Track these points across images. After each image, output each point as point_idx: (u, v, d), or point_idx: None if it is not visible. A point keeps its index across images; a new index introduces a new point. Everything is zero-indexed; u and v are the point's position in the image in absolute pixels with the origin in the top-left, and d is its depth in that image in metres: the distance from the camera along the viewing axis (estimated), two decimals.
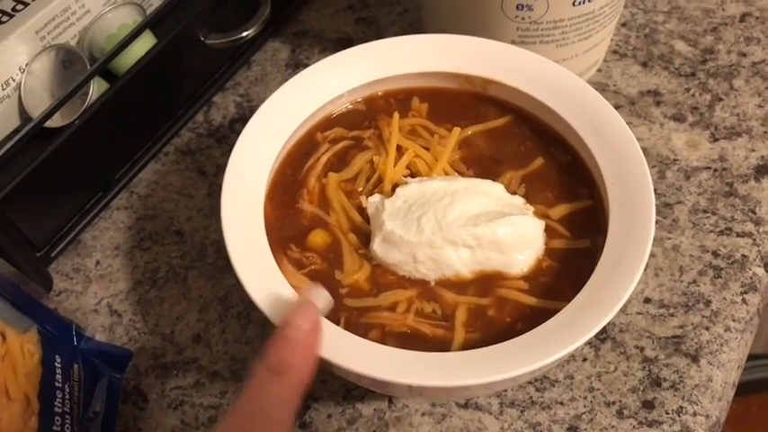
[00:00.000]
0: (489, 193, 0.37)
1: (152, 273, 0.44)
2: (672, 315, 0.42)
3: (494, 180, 0.38)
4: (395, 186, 0.38)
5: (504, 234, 0.35)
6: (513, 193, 0.38)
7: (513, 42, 0.45)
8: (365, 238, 0.37)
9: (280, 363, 0.28)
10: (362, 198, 0.38)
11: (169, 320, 0.43)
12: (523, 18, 0.44)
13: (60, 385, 0.36)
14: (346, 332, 0.32)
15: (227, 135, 0.50)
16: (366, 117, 0.41)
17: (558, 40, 0.45)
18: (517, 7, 0.43)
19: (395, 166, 0.39)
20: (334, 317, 0.34)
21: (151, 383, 0.40)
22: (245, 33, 0.49)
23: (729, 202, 0.46)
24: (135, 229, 0.46)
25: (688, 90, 0.51)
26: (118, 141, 0.47)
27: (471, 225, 0.35)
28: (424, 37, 0.42)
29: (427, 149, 0.40)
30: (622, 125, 0.38)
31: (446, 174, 0.39)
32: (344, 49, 0.42)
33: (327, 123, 0.41)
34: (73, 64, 0.47)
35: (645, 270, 0.42)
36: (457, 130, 0.40)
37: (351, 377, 0.33)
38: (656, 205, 0.45)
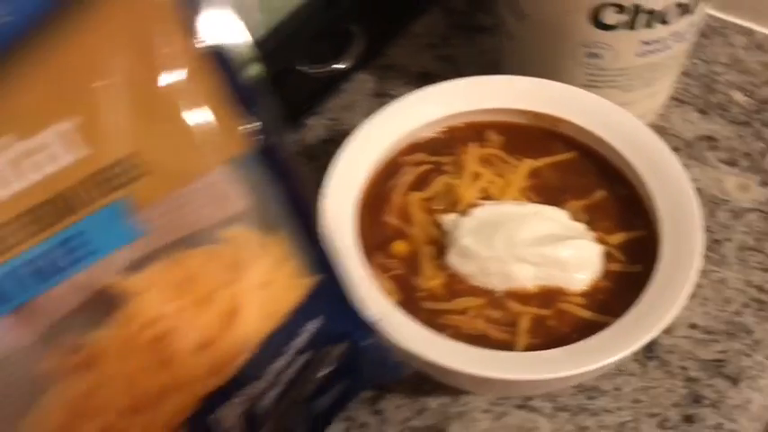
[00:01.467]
0: (555, 219, 0.42)
1: None
2: (715, 340, 0.46)
3: (559, 207, 0.43)
4: (469, 207, 0.43)
5: (567, 255, 0.40)
6: (577, 220, 0.43)
7: (582, 86, 0.50)
8: (441, 250, 0.42)
9: None
10: (440, 215, 0.43)
11: None
12: (593, 65, 0.49)
13: (299, 349, 0.31)
14: (424, 328, 0.38)
15: (317, 154, 0.56)
16: (447, 145, 0.47)
17: (623, 86, 0.50)
18: (587, 55, 0.48)
19: (470, 188, 0.44)
20: (413, 317, 0.39)
21: None
22: (340, 65, 0.55)
23: None
24: None
25: (742, 137, 0.55)
26: None
27: (537, 245, 0.40)
28: (502, 78, 0.47)
29: (500, 176, 0.45)
30: (677, 166, 0.43)
31: (516, 199, 0.44)
32: (425, 82, 0.47)
33: (412, 149, 0.46)
34: None
35: (692, 298, 0.47)
36: (528, 161, 0.45)
37: (427, 367, 0.38)
38: (706, 241, 0.49)
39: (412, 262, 0.42)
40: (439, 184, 0.45)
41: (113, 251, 0.26)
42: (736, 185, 0.53)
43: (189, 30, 0.27)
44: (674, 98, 0.58)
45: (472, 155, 0.45)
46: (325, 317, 0.31)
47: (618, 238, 0.42)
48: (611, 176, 0.45)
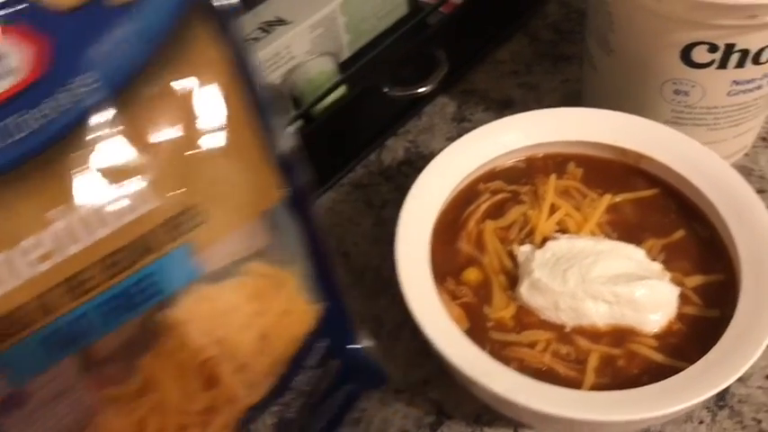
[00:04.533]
0: (631, 257, 0.41)
1: None
2: None
3: (636, 245, 0.42)
4: (545, 239, 0.43)
5: (641, 295, 0.39)
6: (654, 259, 0.42)
7: (666, 122, 0.49)
8: (513, 280, 0.42)
9: None
10: (515, 246, 0.43)
11: None
12: (679, 102, 0.48)
13: (312, 365, 0.36)
14: (491, 358, 0.38)
15: (394, 175, 0.57)
16: (525, 174, 0.47)
17: (709, 125, 0.49)
18: (674, 92, 0.47)
19: (546, 220, 0.44)
20: (480, 346, 0.39)
21: None
22: (423, 89, 0.56)
23: None
24: None
25: None
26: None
27: (612, 283, 0.39)
28: (585, 110, 0.47)
29: (578, 210, 0.44)
30: (762, 209, 0.41)
31: (593, 234, 0.43)
32: (505, 109, 0.47)
33: (490, 176, 0.47)
34: (276, 102, 0.55)
35: None
36: (607, 196, 0.44)
37: (490, 398, 0.38)
38: None
39: (483, 291, 0.42)
40: (515, 213, 0.45)
41: (178, 289, 0.30)
42: None
43: (239, 95, 0.31)
44: (763, 138, 0.56)
45: (551, 186, 0.45)
46: (330, 337, 0.37)
47: (695, 280, 0.41)
48: (693, 217, 0.44)
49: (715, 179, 0.43)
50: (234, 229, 0.31)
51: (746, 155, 0.55)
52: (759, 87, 0.47)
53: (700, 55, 0.45)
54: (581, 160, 0.47)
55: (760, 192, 0.53)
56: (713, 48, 0.44)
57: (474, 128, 0.58)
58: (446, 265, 0.43)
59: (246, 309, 0.33)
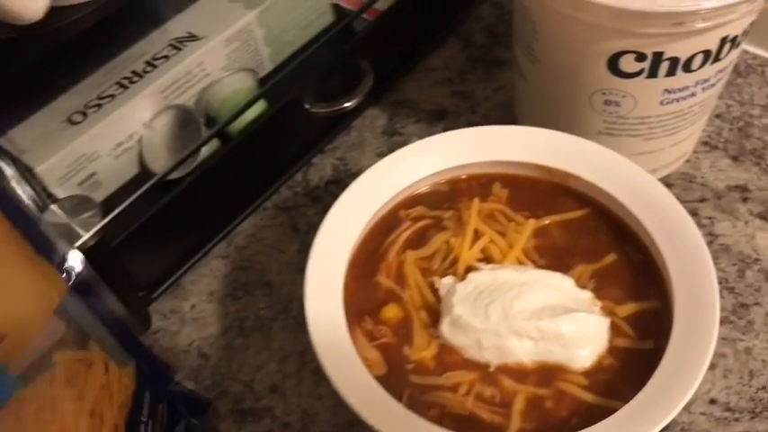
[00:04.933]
0: (558, 287, 0.38)
1: (240, 321, 0.48)
2: (737, 420, 0.42)
3: (565, 272, 0.40)
4: (468, 269, 0.40)
5: (568, 330, 0.36)
6: (583, 287, 0.39)
7: (599, 133, 0.46)
8: (435, 316, 0.39)
9: None
10: (436, 279, 0.40)
11: (251, 368, 0.46)
12: (611, 112, 0.45)
13: (145, 420, 0.40)
14: (406, 409, 0.35)
15: (321, 195, 0.54)
16: (448, 198, 0.44)
17: (644, 135, 0.47)
18: (605, 103, 0.45)
19: (470, 249, 0.41)
20: (398, 392, 0.36)
21: (228, 427, 0.44)
22: (347, 104, 0.53)
23: None
24: (230, 278, 0.50)
25: None
26: (224, 195, 0.52)
27: (536, 318, 0.37)
28: (509, 128, 0.44)
29: (503, 236, 0.42)
30: (693, 230, 0.39)
31: (519, 261, 0.41)
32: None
33: (411, 201, 0.44)
34: (189, 123, 0.52)
35: (713, 370, 0.43)
36: (532, 221, 0.42)
37: None
38: (732, 305, 0.46)
39: (403, 329, 0.39)
40: (438, 241, 0.42)
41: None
42: None
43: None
44: (704, 142, 0.54)
45: (474, 210, 0.42)
46: (150, 388, 0.40)
47: (627, 309, 0.39)
48: (624, 238, 0.41)
49: (645, 198, 0.41)
50: (32, 335, 0.31)
51: (687, 161, 0.53)
52: (693, 95, 0.45)
53: (628, 64, 0.42)
54: (506, 180, 0.44)
55: (702, 201, 0.51)
56: (641, 57, 0.41)
57: (406, 142, 0.55)
58: (364, 301, 0.40)
59: (67, 396, 0.33)
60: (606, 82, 0.44)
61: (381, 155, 0.55)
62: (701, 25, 0.39)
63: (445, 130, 0.56)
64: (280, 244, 0.52)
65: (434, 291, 0.40)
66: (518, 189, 0.44)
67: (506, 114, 0.56)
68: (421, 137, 0.55)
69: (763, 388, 0.43)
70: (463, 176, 0.44)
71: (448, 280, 0.40)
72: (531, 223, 0.42)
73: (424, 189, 0.44)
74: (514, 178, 0.44)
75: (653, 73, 0.42)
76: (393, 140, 0.56)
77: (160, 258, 0.50)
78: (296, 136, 0.56)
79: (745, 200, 0.51)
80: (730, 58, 0.44)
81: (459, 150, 0.44)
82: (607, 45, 0.42)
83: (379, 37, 0.57)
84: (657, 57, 0.41)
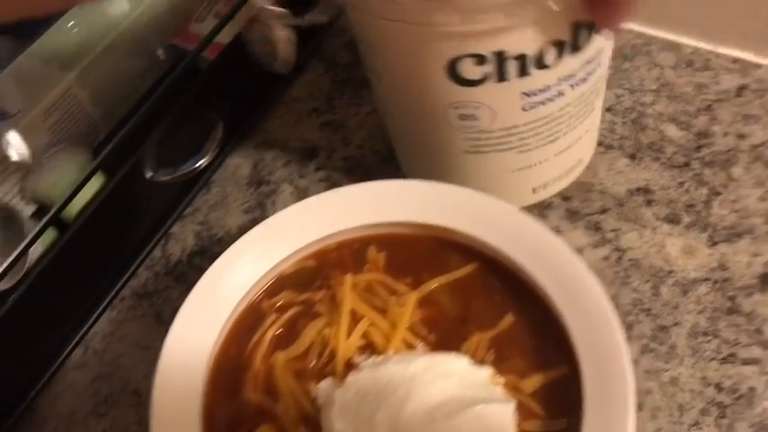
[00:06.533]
0: (452, 372, 0.33)
1: None
2: None
3: (459, 345, 0.34)
4: (348, 363, 0.34)
5: (470, 428, 0.31)
6: (482, 360, 0.34)
7: (465, 153, 0.40)
8: (318, 430, 0.33)
9: None
10: (312, 384, 0.34)
11: None
12: (470, 128, 0.39)
13: None
14: None
15: (185, 272, 0.47)
16: (318, 275, 0.38)
17: (516, 147, 0.41)
18: (460, 118, 0.39)
19: (348, 338, 0.35)
20: None
21: None
22: (197, 165, 0.46)
23: (732, 321, 0.41)
24: (90, 391, 0.43)
25: (682, 184, 0.47)
26: (70, 293, 0.45)
27: (430, 421, 0.31)
28: (373, 184, 0.38)
29: (384, 314, 0.36)
30: (591, 280, 0.34)
31: (406, 343, 0.35)
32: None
33: (275, 287, 0.38)
34: (10, 222, 0.44)
35: (641, 410, 0.39)
36: (414, 293, 0.36)
37: None
38: (651, 329, 0.42)
39: None
40: (311, 333, 0.36)
41: None
42: (680, 250, 0.44)
43: None
44: (598, 143, 0.49)
45: (347, 287, 0.36)
46: None
47: (533, 382, 0.34)
48: (519, 293, 0.36)
49: (532, 246, 0.36)
50: None
51: (589, 168, 0.47)
52: (561, 94, 0.38)
53: (468, 70, 0.36)
54: (382, 242, 0.38)
55: (604, 211, 0.46)
56: (480, 59, 0.35)
57: (275, 190, 0.49)
58: (231, 426, 0.34)
59: None
60: (454, 94, 0.37)
61: (249, 210, 0.49)
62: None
63: (318, 169, 0.50)
64: (143, 340, 0.45)
65: (312, 399, 0.34)
66: (396, 250, 0.38)
67: (382, 142, 0.50)
68: (292, 182, 0.49)
69: (696, 424, 0.39)
70: (332, 245, 0.38)
71: (325, 384, 0.34)
72: (413, 295, 0.36)
73: (288, 269, 0.38)
74: (390, 238, 0.38)
75: (502, 76, 0.36)
76: (261, 191, 0.50)
77: (4, 384, 0.43)
78: (145, 207, 0.48)
79: (649, 203, 0.46)
80: (595, 45, 0.38)
81: (323, 218, 0.38)
82: (439, 50, 0.35)
83: (227, 74, 0.50)
84: (499, 57, 0.35)
